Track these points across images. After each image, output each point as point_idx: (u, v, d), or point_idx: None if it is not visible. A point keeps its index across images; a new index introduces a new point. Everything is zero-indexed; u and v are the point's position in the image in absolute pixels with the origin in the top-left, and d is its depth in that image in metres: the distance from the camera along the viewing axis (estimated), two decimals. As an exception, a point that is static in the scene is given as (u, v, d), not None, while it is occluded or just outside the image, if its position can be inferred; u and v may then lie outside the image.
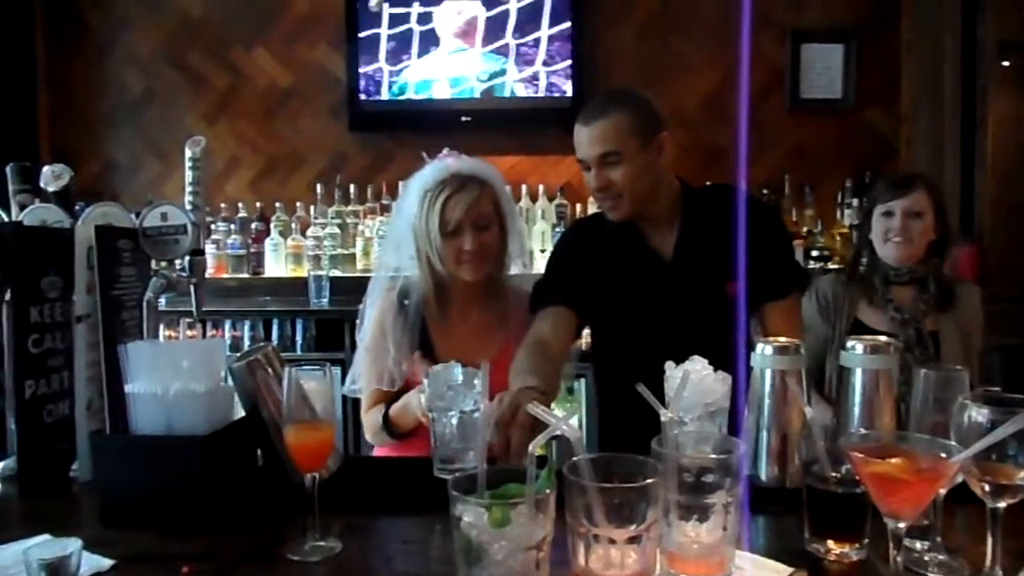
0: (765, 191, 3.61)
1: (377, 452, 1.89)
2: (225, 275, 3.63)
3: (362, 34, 3.69)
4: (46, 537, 1.11)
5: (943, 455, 0.89)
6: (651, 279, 1.79)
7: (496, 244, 1.81)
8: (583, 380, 3.14)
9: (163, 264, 1.54)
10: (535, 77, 3.68)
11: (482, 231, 1.76)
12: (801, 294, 1.91)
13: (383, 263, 1.95)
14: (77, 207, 1.62)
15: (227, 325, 3.47)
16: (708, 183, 2.00)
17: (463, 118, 3.69)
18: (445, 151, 1.91)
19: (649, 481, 0.88)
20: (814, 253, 3.48)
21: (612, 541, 0.88)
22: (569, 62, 3.65)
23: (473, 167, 1.82)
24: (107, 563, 1.07)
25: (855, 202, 3.58)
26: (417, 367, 1.75)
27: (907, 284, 2.11)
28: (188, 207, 1.54)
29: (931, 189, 2.12)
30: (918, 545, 1.07)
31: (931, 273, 2.11)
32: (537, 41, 3.66)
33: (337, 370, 3.21)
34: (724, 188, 1.89)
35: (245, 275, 3.65)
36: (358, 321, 1.92)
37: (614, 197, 1.73)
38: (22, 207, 1.59)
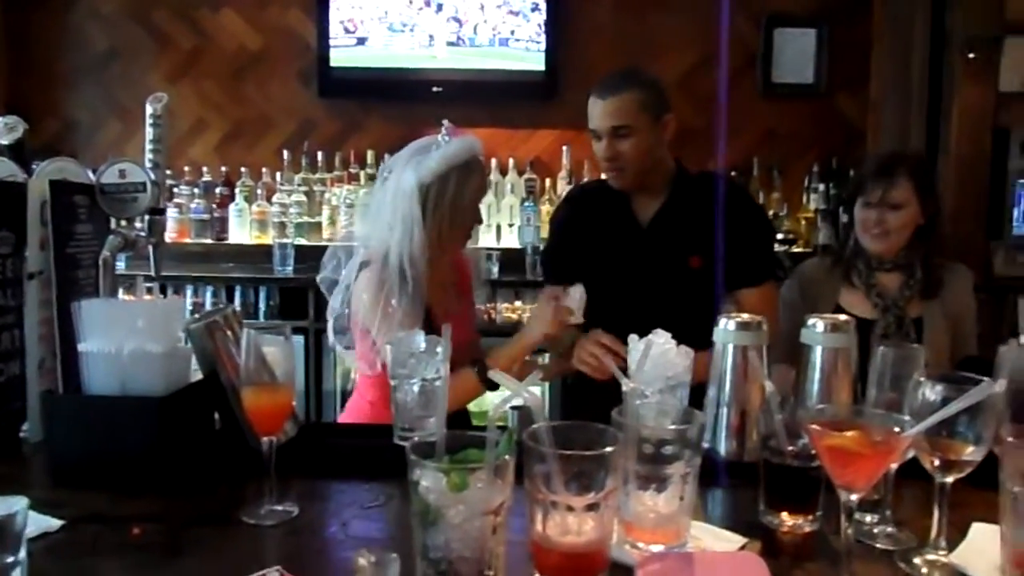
0: (734, 173, 3.62)
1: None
2: (188, 240, 3.56)
3: (333, -2, 3.62)
4: (-8, 496, 1.08)
5: (896, 429, 0.90)
6: (625, 244, 1.93)
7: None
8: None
9: (122, 223, 1.50)
10: (508, 50, 3.64)
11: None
12: (776, 286, 2.01)
13: (367, 230, 1.86)
14: (34, 165, 1.57)
15: (189, 291, 3.41)
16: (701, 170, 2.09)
17: (434, 88, 3.64)
18: (447, 124, 1.89)
19: (608, 450, 0.88)
20: (779, 236, 3.52)
21: (570, 508, 0.88)
22: (543, 36, 3.61)
23: (479, 149, 1.87)
24: (56, 523, 1.05)
25: (821, 187, 3.62)
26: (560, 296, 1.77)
27: (892, 271, 2.03)
28: (148, 165, 1.50)
29: (916, 174, 1.98)
30: (868, 518, 1.09)
31: (917, 259, 2.02)
32: (511, 12, 3.62)
33: (299, 338, 3.20)
34: (715, 176, 2.04)
35: (208, 240, 3.59)
36: (336, 294, 1.85)
37: (619, 168, 1.87)
38: (-27, 159, 1.54)
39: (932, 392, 0.96)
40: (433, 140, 1.82)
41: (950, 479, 0.97)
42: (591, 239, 1.98)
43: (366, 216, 1.92)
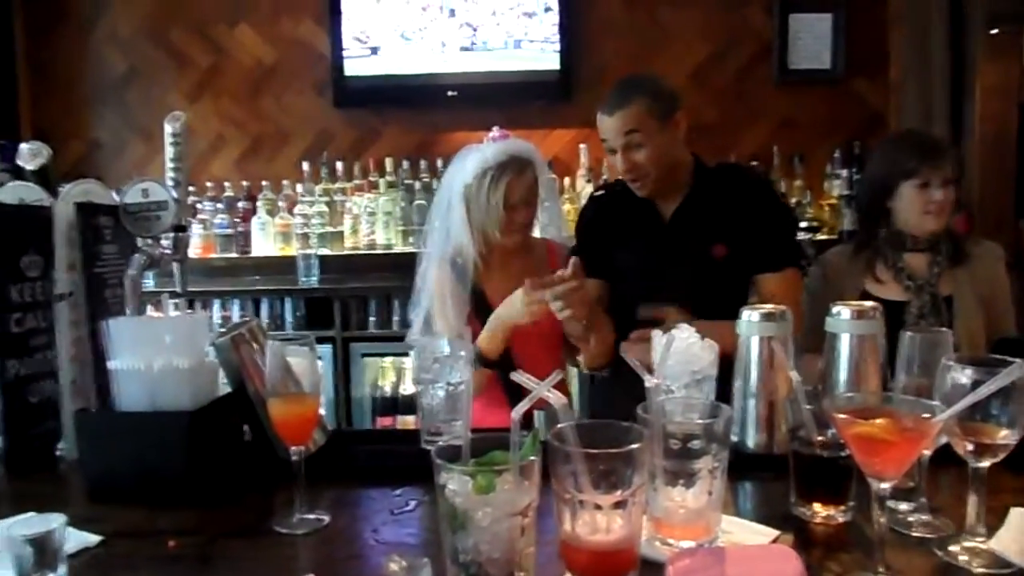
0: (754, 163, 3.60)
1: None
2: (213, 255, 3.61)
3: (345, 8, 3.64)
4: (31, 515, 1.10)
5: (926, 415, 0.89)
6: (650, 239, 1.95)
7: (534, 215, 2.06)
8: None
9: (147, 241, 1.52)
10: (521, 51, 3.64)
11: (529, 206, 2.01)
12: (799, 273, 1.98)
13: (432, 231, 2.12)
14: (61, 188, 1.60)
15: (216, 305, 3.45)
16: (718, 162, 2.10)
17: (449, 92, 3.65)
18: (496, 131, 2.14)
19: (634, 447, 0.88)
20: (803, 224, 3.47)
21: (598, 507, 0.88)
22: (556, 35, 3.61)
23: (526, 150, 2.03)
24: (94, 539, 1.07)
25: (844, 173, 3.57)
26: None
27: (920, 251, 2.00)
28: (170, 183, 1.53)
29: (954, 153, 2.02)
30: (902, 506, 1.08)
31: (945, 234, 2.00)
32: (523, 14, 3.62)
33: (326, 347, 3.23)
34: (734, 166, 2.13)
35: (233, 254, 3.63)
36: (413, 297, 2.11)
37: (642, 177, 1.88)
38: (0, 185, 1.57)
39: (962, 375, 0.94)
40: (475, 146, 2.04)
41: (985, 464, 0.96)
42: (615, 238, 2.00)
43: (427, 222, 2.18)
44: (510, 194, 1.94)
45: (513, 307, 1.83)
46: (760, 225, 1.89)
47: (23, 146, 1.60)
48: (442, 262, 2.04)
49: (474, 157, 1.99)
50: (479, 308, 2.00)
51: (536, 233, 2.16)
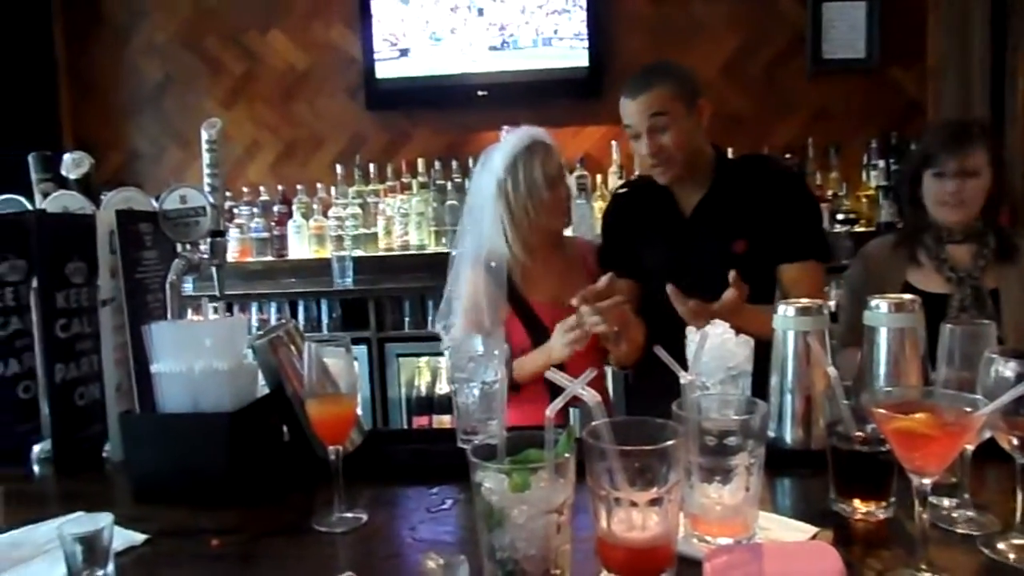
0: (788, 155, 3.55)
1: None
2: (250, 259, 3.66)
3: (375, 11, 3.67)
4: (80, 514, 1.14)
5: (967, 409, 0.87)
6: (671, 235, 1.94)
7: (570, 200, 2.06)
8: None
9: (186, 247, 1.55)
10: (551, 49, 3.64)
11: (565, 186, 2.02)
12: (822, 264, 1.94)
13: (464, 235, 2.11)
14: (102, 197, 1.64)
15: (254, 308, 3.51)
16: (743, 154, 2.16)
17: (479, 92, 3.66)
18: (506, 128, 2.15)
19: (669, 443, 0.88)
20: (839, 216, 3.42)
21: (634, 504, 0.88)
22: (585, 32, 3.60)
23: (543, 134, 2.02)
24: (140, 538, 1.09)
25: (881, 163, 3.50)
26: None
27: (963, 242, 1.95)
28: (207, 189, 1.55)
29: (987, 142, 1.92)
30: (945, 502, 1.06)
31: (989, 227, 1.94)
32: (552, 11, 3.62)
33: (361, 348, 3.26)
34: (757, 157, 2.13)
35: (269, 258, 3.68)
36: (442, 305, 2.09)
37: (665, 161, 1.86)
38: (45, 195, 1.61)
39: (1005, 368, 0.92)
40: (495, 145, 2.05)
41: (1032, 459, 0.94)
42: (638, 234, 2.00)
43: (459, 226, 2.17)
44: (548, 169, 1.94)
45: (551, 347, 1.84)
46: (782, 215, 1.88)
47: (66, 156, 1.64)
48: (476, 265, 2.03)
49: (498, 152, 2.00)
50: (520, 309, 2.01)
51: (568, 232, 2.15)
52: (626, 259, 1.99)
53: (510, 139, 2.01)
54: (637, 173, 3.51)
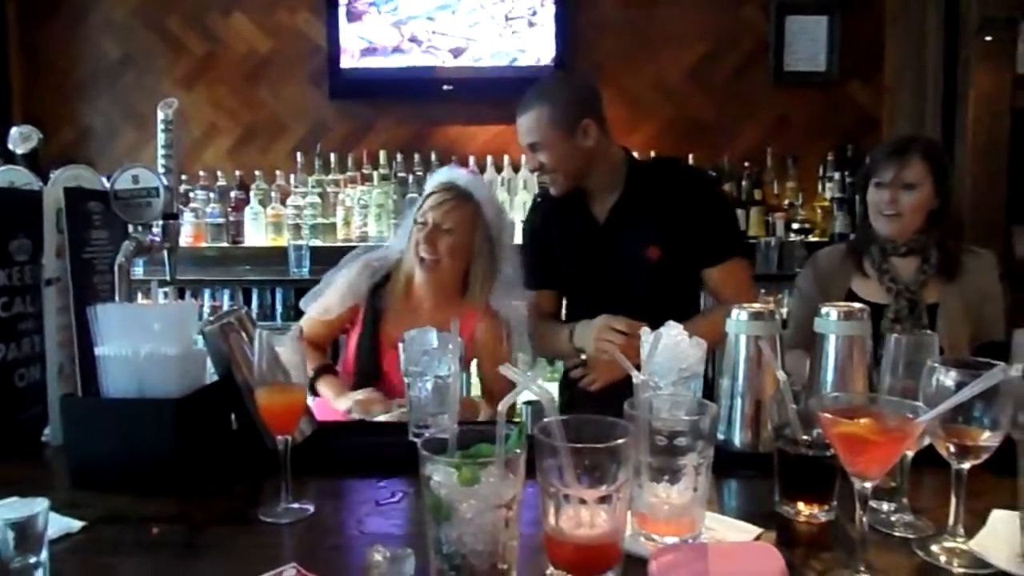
0: (747, 163, 3.61)
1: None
2: (204, 244, 3.59)
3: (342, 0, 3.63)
4: (14, 500, 1.10)
5: (910, 416, 0.90)
6: (586, 242, 1.97)
7: (453, 256, 1.92)
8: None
9: (137, 228, 1.51)
10: (519, 46, 3.63)
11: (446, 233, 1.90)
12: (745, 260, 2.01)
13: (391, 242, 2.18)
14: (51, 174, 1.59)
15: (206, 294, 3.45)
16: (654, 156, 2.16)
17: (444, 87, 3.65)
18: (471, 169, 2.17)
19: (620, 442, 0.88)
20: (795, 226, 3.50)
21: (583, 501, 0.88)
22: (552, 31, 3.60)
23: (470, 182, 1.99)
24: (77, 524, 1.06)
25: (836, 175, 3.58)
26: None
27: (906, 255, 1.98)
28: (161, 170, 1.52)
29: (930, 156, 1.94)
30: (885, 506, 1.09)
31: (932, 243, 1.96)
32: (521, 10, 3.61)
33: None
34: (668, 161, 2.15)
35: (224, 244, 3.61)
36: (319, 286, 2.08)
37: (549, 174, 1.93)
38: (-10, 169, 1.56)
39: (946, 378, 0.95)
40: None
41: (967, 465, 0.96)
42: (557, 242, 2.03)
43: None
44: (426, 207, 1.92)
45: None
46: (697, 221, 1.90)
47: (14, 130, 1.60)
48: (366, 263, 2.03)
49: (432, 178, 2.04)
50: (373, 329, 1.96)
51: (495, 300, 1.99)
52: (546, 268, 2.04)
53: (444, 172, 2.05)
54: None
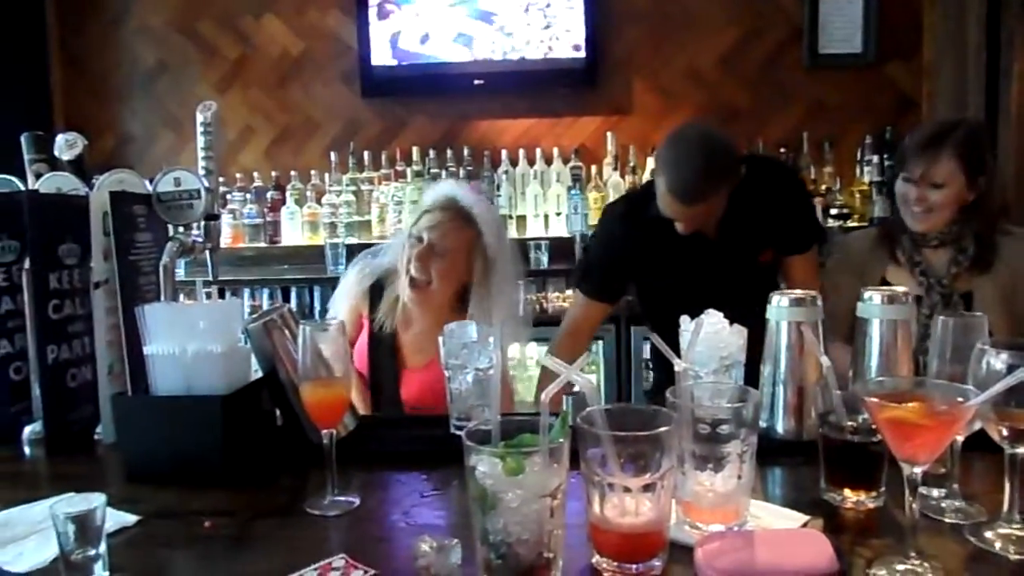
0: (783, 149, 3.55)
1: None
2: (242, 244, 3.65)
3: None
4: (72, 495, 1.13)
5: (959, 399, 0.88)
6: (698, 257, 1.95)
7: (447, 278, 1.85)
8: (600, 342, 3.15)
9: (179, 230, 1.55)
10: (548, 38, 3.62)
11: (439, 257, 1.83)
12: (817, 249, 2.07)
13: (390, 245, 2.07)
14: (95, 179, 1.63)
15: (246, 294, 3.50)
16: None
17: (476, 81, 3.65)
18: (473, 183, 2.17)
19: (662, 430, 0.88)
20: (832, 211, 3.43)
21: (627, 490, 0.88)
22: (583, 22, 3.59)
23: (470, 200, 1.90)
24: (132, 519, 1.09)
25: (875, 159, 3.51)
26: None
27: (938, 247, 1.90)
28: (201, 172, 1.55)
29: (963, 150, 1.82)
30: (935, 492, 1.07)
31: (968, 233, 1.88)
32: (550, 0, 3.60)
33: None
34: (754, 160, 2.10)
35: (262, 244, 3.67)
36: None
37: (702, 227, 1.91)
38: (38, 176, 1.61)
39: (997, 360, 0.93)
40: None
41: (1021, 450, 0.94)
42: (646, 258, 2.01)
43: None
44: (423, 225, 1.85)
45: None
46: (792, 215, 1.98)
47: (59, 137, 1.63)
48: (364, 272, 1.99)
49: (428, 191, 1.99)
50: (383, 348, 1.92)
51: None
52: (614, 281, 2.06)
53: (440, 185, 2.00)
54: (632, 164, 3.52)
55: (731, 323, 1.30)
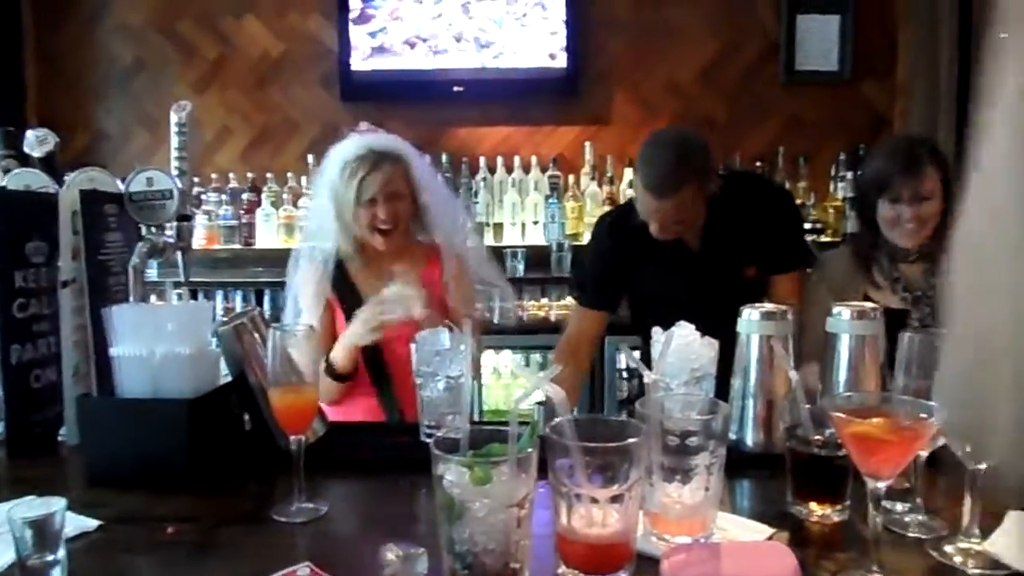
0: (758, 163, 3.59)
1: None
2: (216, 246, 3.61)
3: (352, 3, 3.64)
4: (32, 498, 1.11)
5: (923, 415, 0.89)
6: (680, 269, 1.99)
7: (407, 214, 1.95)
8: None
9: (151, 230, 1.53)
10: (529, 46, 3.64)
11: (394, 201, 1.91)
12: (803, 269, 2.07)
13: (308, 231, 2.12)
14: (66, 176, 1.61)
15: (219, 296, 3.46)
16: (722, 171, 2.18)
17: (455, 88, 3.65)
18: (364, 125, 2.08)
19: (631, 441, 0.88)
20: (807, 226, 3.47)
21: (594, 500, 0.88)
22: (563, 32, 3.61)
23: (389, 143, 1.97)
24: (93, 523, 1.07)
25: (849, 175, 3.56)
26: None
27: (915, 262, 1.95)
28: (175, 172, 1.53)
29: (938, 163, 1.91)
30: (898, 507, 1.08)
31: (939, 246, 1.89)
32: (531, 9, 3.61)
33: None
34: (741, 176, 2.19)
35: (237, 246, 3.63)
36: (289, 303, 2.10)
37: (675, 234, 1.92)
38: (6, 172, 1.58)
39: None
40: (341, 143, 2.01)
41: (982, 466, 0.96)
42: (636, 267, 2.04)
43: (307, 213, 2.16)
44: (363, 190, 1.88)
45: (356, 327, 1.83)
46: (779, 232, 1.99)
47: (30, 133, 1.61)
48: (312, 258, 2.02)
49: (336, 153, 1.97)
50: (353, 307, 1.92)
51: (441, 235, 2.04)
52: (610, 290, 2.08)
53: (351, 143, 1.97)
54: (609, 175, 3.54)
55: (714, 336, 1.31)
